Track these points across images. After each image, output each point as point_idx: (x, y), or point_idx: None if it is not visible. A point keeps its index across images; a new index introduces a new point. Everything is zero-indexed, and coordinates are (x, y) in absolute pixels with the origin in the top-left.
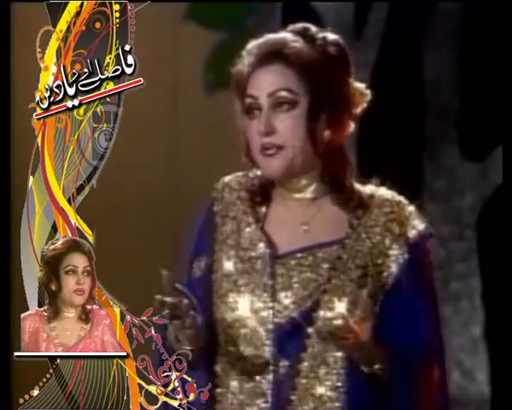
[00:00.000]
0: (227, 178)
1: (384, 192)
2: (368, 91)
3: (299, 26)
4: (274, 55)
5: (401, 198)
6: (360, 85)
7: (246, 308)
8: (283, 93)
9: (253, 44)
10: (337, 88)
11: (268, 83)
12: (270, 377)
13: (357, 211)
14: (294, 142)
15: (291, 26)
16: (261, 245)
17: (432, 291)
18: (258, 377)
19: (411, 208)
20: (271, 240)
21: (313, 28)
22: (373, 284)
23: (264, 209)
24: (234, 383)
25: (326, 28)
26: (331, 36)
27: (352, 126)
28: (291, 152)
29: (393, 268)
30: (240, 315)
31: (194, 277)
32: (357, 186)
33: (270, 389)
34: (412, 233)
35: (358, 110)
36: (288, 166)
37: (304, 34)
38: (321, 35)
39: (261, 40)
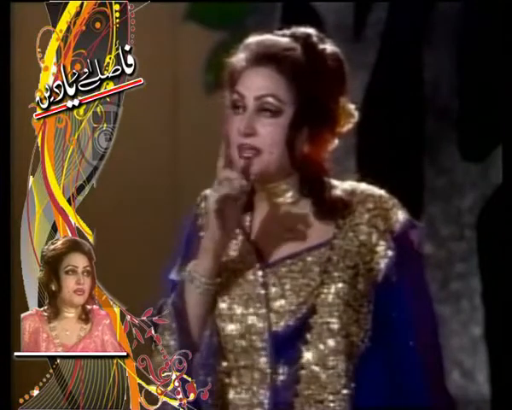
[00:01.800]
0: (208, 192)
1: (365, 188)
2: (356, 114)
3: (302, 31)
4: (269, 57)
5: (382, 192)
6: (350, 106)
7: (240, 320)
8: (270, 99)
9: (251, 40)
10: (325, 105)
11: (257, 85)
12: (268, 387)
13: (341, 211)
14: (272, 148)
15: (294, 29)
16: (250, 256)
17: (421, 280)
18: (255, 388)
19: (393, 201)
20: (259, 250)
21: (315, 37)
22: (364, 282)
23: (248, 219)
24: (231, 394)
25: (328, 38)
26: (331, 49)
27: (334, 143)
28: (267, 159)
29: (382, 264)
30: (235, 326)
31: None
32: (336, 187)
33: (268, 399)
34: (396, 226)
35: (343, 130)
36: (263, 171)
37: (305, 41)
38: (321, 46)
39: (261, 38)
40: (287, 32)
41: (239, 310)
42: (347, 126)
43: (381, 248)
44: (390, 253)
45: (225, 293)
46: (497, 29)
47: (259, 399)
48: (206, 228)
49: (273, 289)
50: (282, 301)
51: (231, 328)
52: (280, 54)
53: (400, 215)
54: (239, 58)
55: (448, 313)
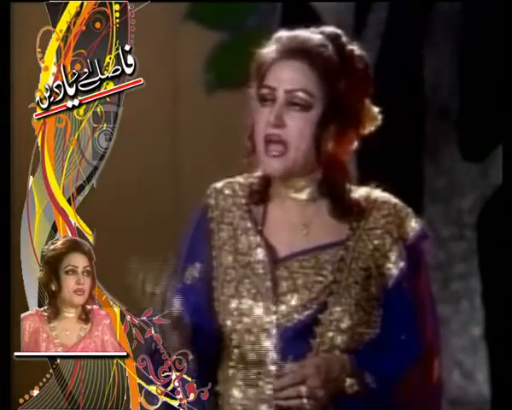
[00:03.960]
0: (218, 185)
1: (380, 195)
2: (379, 117)
3: (331, 30)
4: (302, 52)
5: (397, 200)
6: (374, 109)
7: (248, 314)
8: (301, 94)
9: (282, 33)
10: (353, 104)
11: (289, 79)
12: (274, 381)
13: (356, 215)
14: (300, 144)
15: (322, 28)
16: (260, 250)
17: (428, 290)
18: (261, 383)
19: (408, 210)
20: (270, 244)
21: (344, 38)
22: (375, 285)
23: (261, 211)
24: (237, 389)
25: (354, 41)
26: (359, 51)
27: (355, 144)
28: (294, 155)
29: (393, 270)
30: (242, 321)
31: (186, 283)
32: (353, 192)
33: (274, 394)
34: (409, 235)
35: (365, 131)
36: (289, 168)
37: (335, 41)
38: (350, 47)
39: (292, 32)
40: (315, 29)
41: (247, 304)
42: (370, 128)
43: (393, 255)
44: (402, 260)
45: (233, 286)
46: (497, 29)
47: (265, 394)
48: None
49: (285, 283)
50: (294, 296)
51: (239, 322)
52: (314, 49)
53: (414, 224)
54: (269, 50)
55: (448, 314)
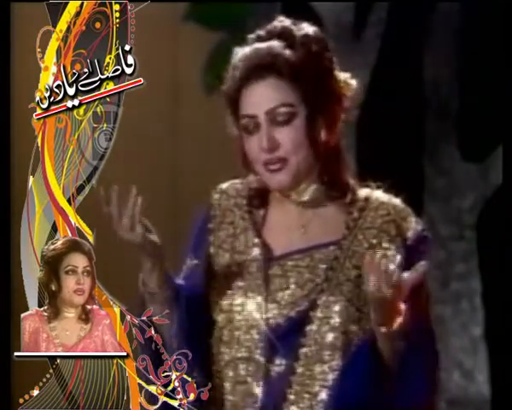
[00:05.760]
0: (224, 186)
1: (380, 195)
2: (353, 81)
3: (275, 26)
4: (265, 68)
5: (397, 201)
6: (345, 75)
7: (239, 310)
8: (282, 109)
9: (238, 57)
10: (327, 85)
11: (265, 100)
12: (263, 378)
13: (353, 212)
14: (298, 152)
15: (267, 27)
16: (256, 249)
17: (425, 291)
18: (249, 379)
19: (408, 210)
20: (267, 244)
21: (292, 26)
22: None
23: (262, 213)
24: (226, 385)
25: (302, 21)
26: (310, 30)
27: (342, 119)
28: (295, 163)
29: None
30: (233, 317)
31: (180, 276)
32: (354, 187)
33: (262, 391)
34: (409, 235)
35: (348, 102)
36: (294, 178)
37: (283, 36)
38: (301, 32)
39: (247, 52)
40: (261, 33)
41: (239, 301)
42: (350, 97)
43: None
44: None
45: (226, 283)
46: (497, 29)
47: (254, 390)
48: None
49: (278, 281)
50: (286, 294)
51: (229, 318)
52: (275, 61)
53: (414, 224)
54: (232, 78)
55: (448, 314)
